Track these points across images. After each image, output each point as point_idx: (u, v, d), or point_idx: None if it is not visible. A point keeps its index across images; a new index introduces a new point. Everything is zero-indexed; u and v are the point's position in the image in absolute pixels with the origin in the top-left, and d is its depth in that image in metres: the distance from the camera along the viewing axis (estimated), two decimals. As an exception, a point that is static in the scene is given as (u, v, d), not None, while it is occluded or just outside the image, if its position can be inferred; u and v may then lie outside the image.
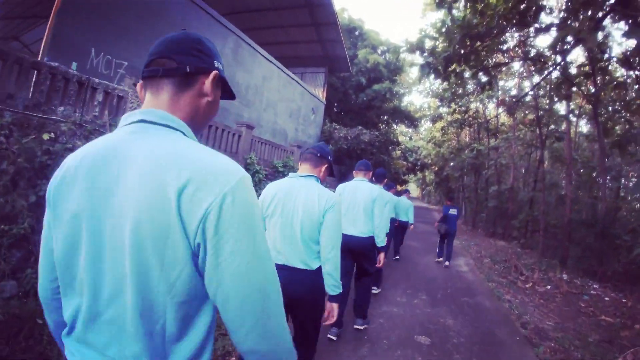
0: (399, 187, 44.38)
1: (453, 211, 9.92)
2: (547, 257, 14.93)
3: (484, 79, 9.57)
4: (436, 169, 38.66)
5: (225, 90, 1.02)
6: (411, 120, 24.86)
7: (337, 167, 17.91)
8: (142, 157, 0.78)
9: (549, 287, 9.48)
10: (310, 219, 2.18)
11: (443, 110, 25.21)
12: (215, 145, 9.08)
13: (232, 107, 12.17)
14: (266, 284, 0.79)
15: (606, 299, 8.69)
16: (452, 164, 33.19)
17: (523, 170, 22.54)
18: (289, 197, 2.23)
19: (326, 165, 2.40)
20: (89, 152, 0.85)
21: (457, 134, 28.83)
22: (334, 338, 3.94)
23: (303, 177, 2.31)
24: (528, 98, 16.90)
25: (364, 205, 3.87)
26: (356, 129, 18.03)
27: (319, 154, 2.36)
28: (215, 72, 0.92)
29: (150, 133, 0.82)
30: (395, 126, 25.54)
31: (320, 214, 2.17)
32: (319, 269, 2.24)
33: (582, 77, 10.01)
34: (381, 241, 4.00)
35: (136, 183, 0.76)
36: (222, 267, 0.74)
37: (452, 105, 22.16)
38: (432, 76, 8.29)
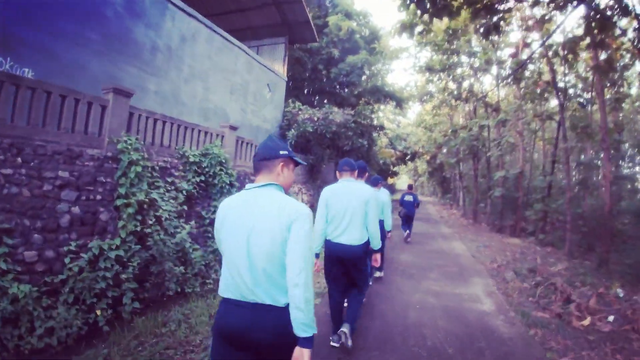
0: (390, 181, 40.82)
1: (409, 197, 11.12)
2: (577, 257, 11.35)
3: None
4: (428, 157, 35.31)
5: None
6: (396, 100, 21.08)
7: (303, 156, 14.09)
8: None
9: (611, 318, 5.83)
10: (270, 239, 1.77)
11: (433, 86, 21.53)
12: (50, 120, 5.38)
13: (122, 74, 8.31)
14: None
15: None
16: (445, 150, 29.78)
17: (537, 153, 18.88)
18: (241, 215, 1.84)
19: (281, 164, 1.94)
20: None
21: (450, 115, 25.17)
22: None
23: (259, 188, 1.90)
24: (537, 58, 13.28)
25: (355, 210, 3.60)
26: (325, 107, 14.20)
27: (266, 156, 1.94)
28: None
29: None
30: (376, 107, 21.73)
31: (283, 230, 1.76)
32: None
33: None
34: (377, 244, 3.76)
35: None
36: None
37: (443, 77, 18.45)
38: (414, 14, 6.68)
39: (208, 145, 8.51)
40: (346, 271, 3.76)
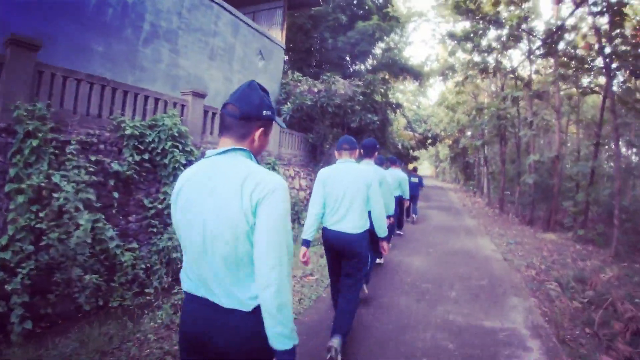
0: (410, 166, 38.86)
1: (414, 179, 11.12)
2: (624, 259, 9.30)
3: None
4: (450, 141, 32.84)
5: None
6: (414, 75, 18.81)
7: (302, 135, 12.16)
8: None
9: None
10: (230, 225, 1.30)
11: (455, 60, 19.14)
12: None
13: (56, 31, 6.54)
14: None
15: None
16: (469, 133, 27.38)
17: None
18: (196, 191, 1.39)
19: (261, 129, 1.46)
20: None
21: (474, 94, 22.71)
22: None
23: (222, 155, 1.41)
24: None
25: (355, 194, 3.19)
26: (327, 76, 12.12)
27: (244, 114, 1.40)
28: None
29: None
30: (393, 83, 19.47)
31: (247, 212, 1.29)
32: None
33: None
34: (383, 232, 3.45)
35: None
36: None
37: (467, 47, 16.08)
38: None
39: (159, 115, 6.68)
40: (340, 261, 3.38)
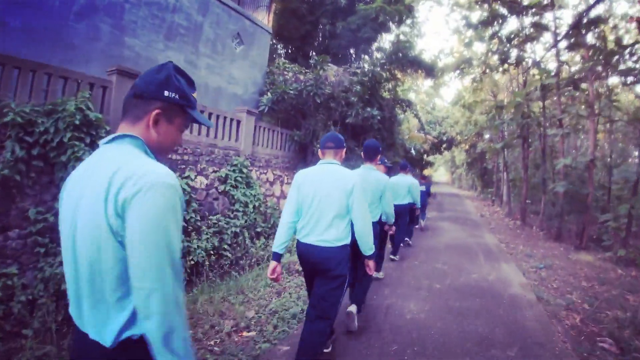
0: (425, 172, 36.97)
1: (422, 187, 9.99)
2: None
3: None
4: (467, 146, 30.72)
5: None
6: (426, 69, 16.81)
7: (286, 131, 10.31)
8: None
9: None
10: (92, 235, 1.03)
11: (473, 52, 17.16)
12: None
13: None
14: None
15: None
16: (487, 135, 25.26)
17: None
18: (72, 193, 1.12)
19: (156, 111, 1.18)
20: None
21: (493, 92, 20.60)
22: None
23: (107, 144, 1.16)
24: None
25: (331, 201, 2.73)
26: (315, 60, 10.20)
27: (140, 91, 1.17)
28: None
29: None
30: (402, 78, 17.46)
31: (110, 218, 1.01)
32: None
33: None
34: (368, 249, 2.91)
35: None
36: None
37: (487, 33, 14.05)
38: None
39: (61, 99, 4.92)
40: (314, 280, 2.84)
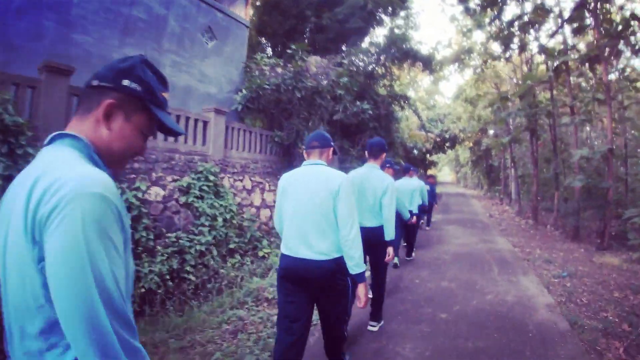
0: (430, 172, 35.87)
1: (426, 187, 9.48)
2: None
3: None
4: (471, 143, 29.51)
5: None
6: (422, 62, 15.69)
7: (266, 132, 9.21)
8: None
9: None
10: (14, 263, 0.84)
11: (472, 42, 16.03)
12: None
13: None
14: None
15: None
16: (491, 131, 24.03)
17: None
18: (2, 216, 0.93)
19: (109, 101, 0.96)
20: None
21: (496, 84, 19.42)
22: None
23: (46, 147, 0.95)
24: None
25: (315, 205, 2.37)
26: (292, 50, 9.06)
27: (97, 80, 0.97)
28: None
29: None
30: (397, 72, 16.33)
31: (27, 241, 0.80)
32: None
33: None
34: (357, 266, 2.38)
35: None
36: None
37: (486, 18, 12.92)
38: None
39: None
40: (308, 303, 2.44)
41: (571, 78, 11.30)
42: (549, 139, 14.74)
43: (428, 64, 16.22)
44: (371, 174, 3.66)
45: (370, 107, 9.43)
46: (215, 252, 6.89)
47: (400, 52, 14.39)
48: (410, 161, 26.48)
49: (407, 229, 6.92)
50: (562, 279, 6.74)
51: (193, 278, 6.33)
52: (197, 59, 9.42)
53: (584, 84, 13.23)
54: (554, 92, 13.22)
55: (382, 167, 7.02)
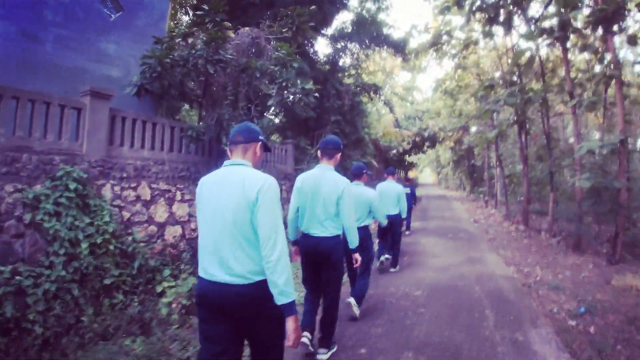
0: (410, 175, 33.79)
1: (406, 190, 9.23)
2: None
3: None
4: (452, 142, 27.67)
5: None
6: (394, 46, 13.61)
7: (174, 124, 6.92)
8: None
9: None
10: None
11: (450, 24, 14.02)
12: None
13: None
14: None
15: None
16: (474, 128, 22.16)
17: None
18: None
19: None
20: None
21: (478, 75, 17.47)
22: None
23: None
24: None
25: (234, 216, 1.97)
26: (201, 13, 6.77)
27: None
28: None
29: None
30: (364, 60, 14.22)
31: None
32: None
33: None
34: (281, 293, 1.98)
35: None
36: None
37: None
38: None
39: None
40: (234, 334, 2.15)
41: (570, 56, 9.33)
42: (540, 132, 12.83)
43: (400, 48, 14.15)
44: (324, 176, 3.31)
45: (313, 87, 7.17)
46: (77, 293, 4.63)
47: (368, 35, 12.27)
48: (388, 163, 24.66)
49: (391, 236, 6.66)
50: (581, 317, 4.72)
51: (38, 330, 4.17)
52: (92, 34, 7.17)
53: (582, 66, 11.36)
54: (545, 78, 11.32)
55: (388, 174, 7.01)
